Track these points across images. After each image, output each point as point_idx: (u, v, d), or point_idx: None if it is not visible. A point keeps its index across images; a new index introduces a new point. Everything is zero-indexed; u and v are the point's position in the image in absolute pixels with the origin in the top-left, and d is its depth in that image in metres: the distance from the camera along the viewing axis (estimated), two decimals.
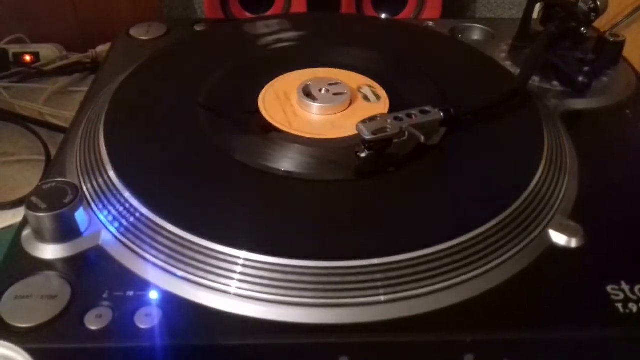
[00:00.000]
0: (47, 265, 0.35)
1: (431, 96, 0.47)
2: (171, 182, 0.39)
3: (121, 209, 0.37)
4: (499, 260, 0.35)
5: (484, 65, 0.54)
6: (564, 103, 0.50)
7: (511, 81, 0.48)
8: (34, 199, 0.35)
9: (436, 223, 0.36)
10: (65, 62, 0.73)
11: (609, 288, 0.34)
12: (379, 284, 0.33)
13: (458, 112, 0.43)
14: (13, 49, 0.72)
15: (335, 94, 0.47)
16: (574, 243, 0.37)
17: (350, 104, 0.47)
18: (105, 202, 0.38)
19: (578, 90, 0.50)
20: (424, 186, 0.40)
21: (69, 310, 0.32)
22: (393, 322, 0.32)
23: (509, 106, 0.46)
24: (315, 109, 0.46)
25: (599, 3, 0.51)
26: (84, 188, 0.39)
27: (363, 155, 0.40)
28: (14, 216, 0.51)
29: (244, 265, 0.34)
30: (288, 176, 0.40)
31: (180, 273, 0.34)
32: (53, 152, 0.56)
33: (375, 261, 0.34)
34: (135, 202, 0.37)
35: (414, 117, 0.41)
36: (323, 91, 0.47)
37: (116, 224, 0.37)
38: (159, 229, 0.35)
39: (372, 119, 0.40)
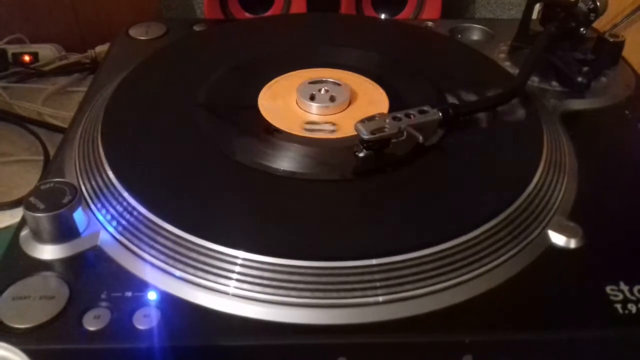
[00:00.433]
0: (45, 265, 0.35)
1: (430, 96, 0.47)
2: (170, 182, 0.39)
3: (120, 209, 0.37)
4: (498, 261, 0.35)
5: (483, 65, 0.54)
6: (563, 103, 0.50)
7: (510, 81, 0.48)
8: (32, 199, 0.35)
9: (435, 223, 0.36)
10: (64, 62, 0.73)
11: (608, 288, 0.34)
12: (377, 284, 0.33)
13: (457, 112, 0.43)
14: (12, 49, 0.72)
15: (334, 94, 0.47)
16: (573, 243, 0.37)
17: (349, 104, 0.47)
18: (104, 202, 0.38)
19: (577, 91, 0.51)
20: (422, 186, 0.40)
21: (67, 311, 0.32)
22: (391, 322, 0.32)
23: (508, 106, 0.46)
24: (315, 109, 0.46)
25: (598, 3, 0.51)
26: (83, 188, 0.39)
27: (361, 155, 0.40)
28: (12, 216, 0.51)
29: (242, 266, 0.34)
30: (287, 176, 0.40)
31: (178, 273, 0.34)
32: (52, 152, 0.56)
33: (374, 262, 0.34)
34: (133, 202, 0.37)
35: (412, 117, 0.41)
36: (322, 91, 0.47)
37: (115, 224, 0.37)
38: (157, 229, 0.35)
39: (370, 118, 0.40)
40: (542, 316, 0.33)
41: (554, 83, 0.52)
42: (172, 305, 0.33)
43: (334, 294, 0.33)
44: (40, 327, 0.31)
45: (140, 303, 0.33)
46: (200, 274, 0.34)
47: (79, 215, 0.36)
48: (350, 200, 0.39)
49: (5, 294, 0.33)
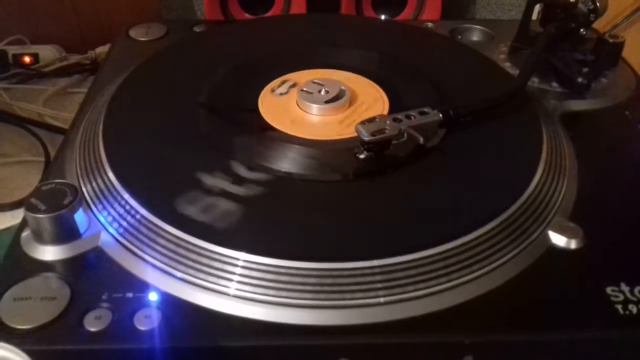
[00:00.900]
0: (46, 266, 0.35)
1: (430, 97, 0.47)
2: (170, 183, 0.39)
3: (121, 210, 0.37)
4: (499, 262, 0.35)
5: (484, 66, 0.54)
6: (563, 104, 0.50)
7: (510, 82, 0.48)
8: (33, 200, 0.35)
9: (436, 224, 0.36)
10: (64, 63, 0.73)
11: (609, 289, 0.34)
12: (378, 285, 0.33)
13: (457, 114, 0.43)
14: (12, 50, 0.72)
15: (334, 95, 0.47)
16: (573, 244, 0.37)
17: (350, 105, 0.47)
18: (105, 203, 0.38)
19: (577, 91, 0.51)
20: (423, 188, 0.40)
21: (68, 311, 0.32)
22: (392, 323, 0.32)
23: (508, 107, 0.46)
24: (315, 109, 0.46)
25: (598, 4, 0.51)
26: (84, 189, 0.39)
27: (362, 156, 0.40)
28: (13, 217, 0.51)
29: (243, 267, 0.34)
30: (288, 177, 0.40)
31: (179, 274, 0.34)
32: (52, 153, 0.56)
33: (375, 263, 0.34)
34: (134, 203, 0.37)
35: (413, 118, 0.41)
36: (322, 92, 0.47)
37: (115, 225, 0.37)
38: (158, 230, 0.35)
39: (371, 120, 0.40)
40: (542, 317, 0.33)
41: (554, 84, 0.52)
42: (173, 306, 0.33)
43: (335, 295, 0.33)
44: (41, 327, 0.31)
45: (141, 304, 0.33)
46: (201, 275, 0.34)
47: (79, 216, 0.36)
48: (351, 201, 0.39)
49: (7, 294, 0.33)
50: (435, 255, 0.34)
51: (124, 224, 0.36)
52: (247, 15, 0.69)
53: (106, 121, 0.44)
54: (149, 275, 0.34)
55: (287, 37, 0.58)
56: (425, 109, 0.42)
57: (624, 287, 0.34)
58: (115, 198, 0.38)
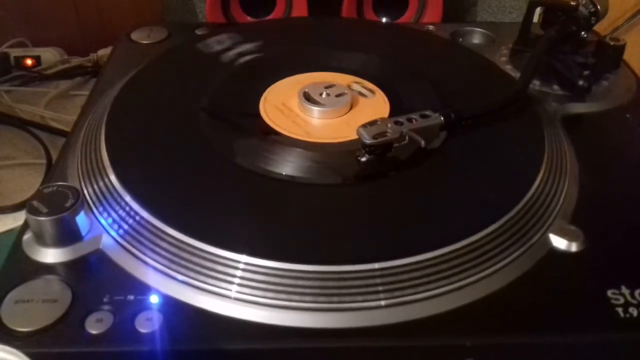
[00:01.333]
0: (47, 269, 0.35)
1: (431, 100, 0.47)
2: (172, 186, 0.39)
3: (122, 212, 0.37)
4: (500, 265, 0.35)
5: (485, 69, 0.54)
6: (565, 107, 0.50)
7: (511, 85, 0.49)
8: (35, 202, 0.35)
9: (437, 227, 0.36)
10: (66, 65, 0.73)
11: (609, 292, 0.34)
12: (379, 288, 0.33)
13: (458, 116, 0.43)
14: (14, 52, 0.72)
15: (336, 98, 0.47)
16: (574, 247, 0.37)
17: (351, 108, 0.47)
18: (106, 206, 0.38)
19: (578, 94, 0.51)
20: (424, 190, 0.40)
21: (69, 314, 0.32)
22: (393, 326, 0.32)
23: (509, 110, 0.46)
24: (316, 113, 0.46)
25: (599, 7, 0.51)
26: (85, 192, 0.39)
27: (363, 159, 0.40)
28: (15, 220, 0.51)
29: (244, 270, 0.34)
30: (289, 180, 0.40)
31: (180, 277, 0.34)
32: (54, 156, 0.56)
33: (376, 265, 0.34)
34: (136, 206, 0.37)
35: (414, 121, 0.41)
36: (324, 95, 0.47)
37: (117, 228, 0.37)
38: (159, 233, 0.36)
39: (372, 123, 0.41)
40: (543, 320, 0.33)
41: (555, 87, 0.52)
42: (174, 308, 0.33)
43: (337, 298, 0.33)
44: (42, 330, 0.31)
45: (143, 306, 0.33)
46: (202, 277, 0.34)
47: (81, 219, 0.36)
48: (352, 204, 0.39)
49: (8, 297, 0.33)
50: (436, 258, 0.34)
51: (126, 226, 0.37)
52: (249, 18, 0.69)
53: (108, 124, 0.44)
54: (150, 277, 0.34)
55: (289, 40, 0.58)
56: (427, 112, 0.42)
57: (625, 290, 0.34)
58: (116, 201, 0.38)
